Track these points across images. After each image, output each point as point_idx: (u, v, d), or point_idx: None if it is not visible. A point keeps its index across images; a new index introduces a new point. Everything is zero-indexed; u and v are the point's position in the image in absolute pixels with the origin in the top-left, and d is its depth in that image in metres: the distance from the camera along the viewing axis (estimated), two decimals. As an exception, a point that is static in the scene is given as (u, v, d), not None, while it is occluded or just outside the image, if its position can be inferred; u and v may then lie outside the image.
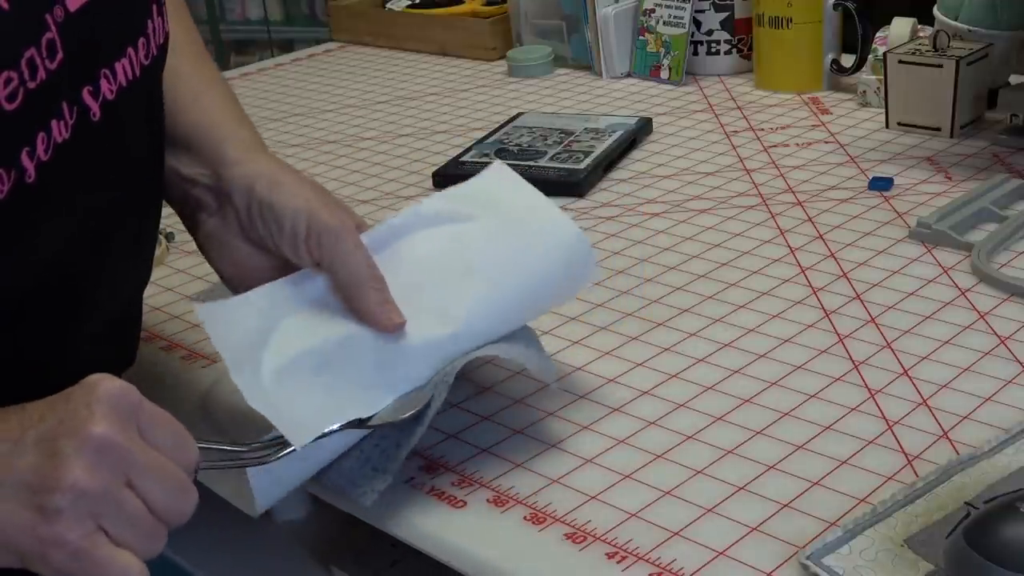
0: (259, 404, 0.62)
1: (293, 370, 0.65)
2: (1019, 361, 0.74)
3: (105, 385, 0.53)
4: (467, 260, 0.70)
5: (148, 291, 0.95)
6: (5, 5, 0.53)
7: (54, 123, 0.56)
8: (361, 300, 0.67)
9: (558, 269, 0.72)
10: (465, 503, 0.65)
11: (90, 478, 0.50)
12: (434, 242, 0.72)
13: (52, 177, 0.56)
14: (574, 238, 0.73)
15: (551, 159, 1.12)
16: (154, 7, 0.65)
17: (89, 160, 0.60)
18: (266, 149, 0.75)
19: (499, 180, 0.75)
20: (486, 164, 1.11)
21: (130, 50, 0.62)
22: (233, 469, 0.60)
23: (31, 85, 0.54)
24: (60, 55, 0.56)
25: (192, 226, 0.74)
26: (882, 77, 1.17)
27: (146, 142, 0.68)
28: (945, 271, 0.87)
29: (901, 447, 0.66)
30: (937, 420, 0.68)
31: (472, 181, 0.76)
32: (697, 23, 1.39)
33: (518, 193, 0.75)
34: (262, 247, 0.70)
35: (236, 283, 0.72)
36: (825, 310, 0.82)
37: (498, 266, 0.70)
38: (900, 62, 1.13)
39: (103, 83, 0.60)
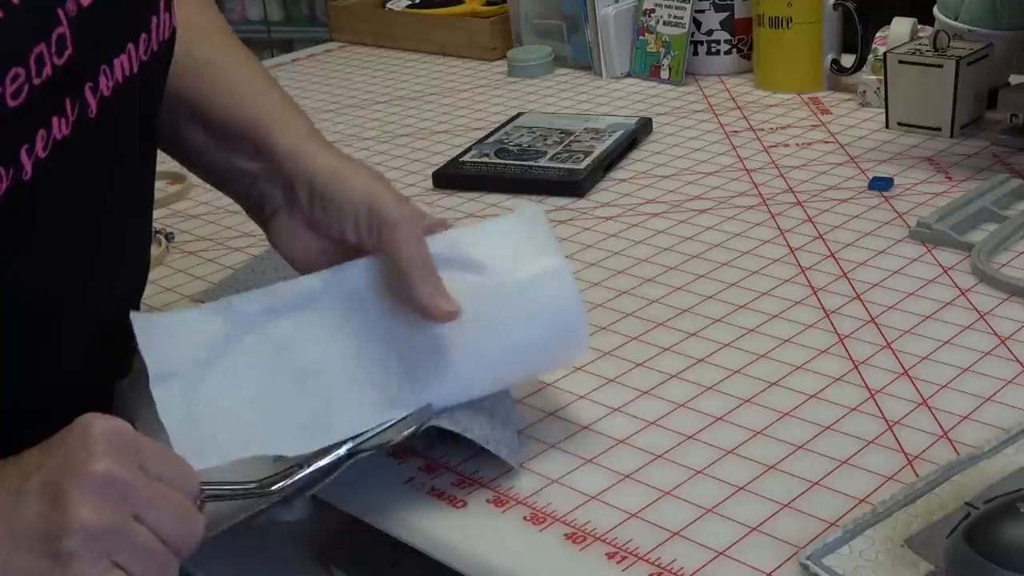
0: (167, 419, 0.61)
1: (228, 393, 0.65)
2: (1019, 361, 0.74)
3: (99, 423, 0.53)
4: (456, 324, 0.67)
5: (148, 291, 0.95)
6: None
7: (55, 120, 0.56)
8: (413, 291, 0.66)
9: (547, 350, 0.69)
10: (465, 503, 0.65)
11: (98, 516, 0.50)
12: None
13: (49, 175, 0.56)
14: (574, 315, 0.69)
15: (551, 159, 1.12)
16: (161, 2, 0.65)
17: (84, 158, 0.59)
18: (319, 135, 0.73)
19: (528, 226, 0.71)
20: (486, 164, 1.13)
21: (131, 45, 0.62)
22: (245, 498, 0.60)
23: (36, 81, 0.54)
24: (69, 50, 0.56)
25: (258, 219, 0.74)
26: (882, 77, 1.17)
27: (138, 140, 0.68)
28: (945, 271, 0.87)
29: (901, 447, 0.66)
30: (937, 420, 0.68)
31: (500, 221, 0.71)
32: (697, 23, 1.39)
33: (536, 250, 0.70)
34: (328, 236, 0.70)
35: (308, 270, 0.71)
36: (825, 310, 0.82)
37: (485, 336, 0.67)
38: (900, 62, 1.13)
39: (101, 79, 0.59)
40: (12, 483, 0.52)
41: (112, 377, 0.74)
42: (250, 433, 0.64)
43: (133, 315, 0.65)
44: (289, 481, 0.61)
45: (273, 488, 0.60)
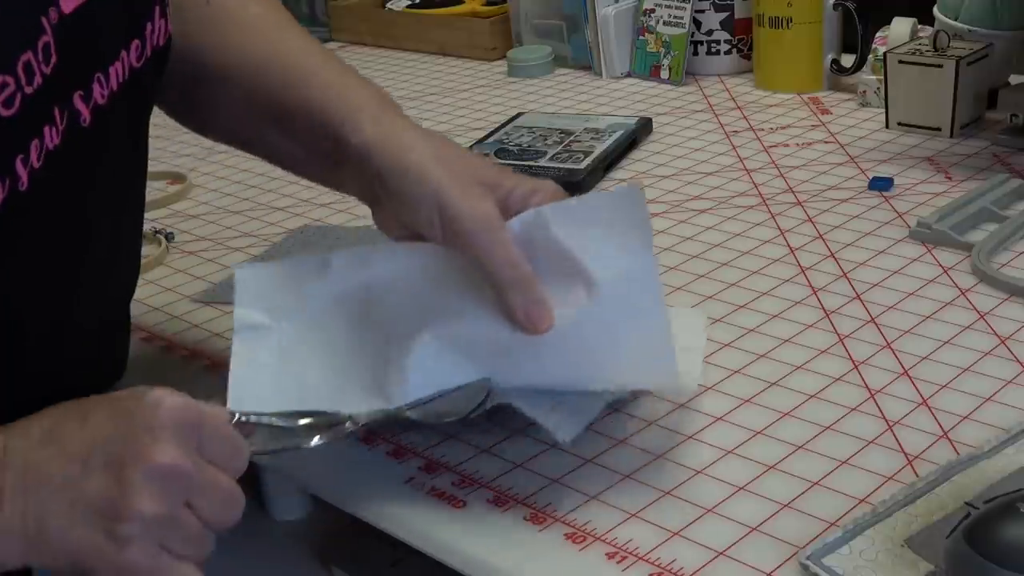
0: (235, 367, 0.65)
1: (303, 346, 0.67)
2: (1019, 361, 0.74)
3: (167, 403, 0.54)
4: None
5: (148, 291, 0.95)
6: None
7: (47, 129, 0.56)
8: (505, 300, 0.64)
9: (623, 356, 0.66)
10: (465, 503, 0.65)
11: (156, 505, 0.52)
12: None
13: (43, 184, 0.56)
14: (653, 324, 0.65)
15: (551, 159, 1.12)
16: (157, 8, 0.64)
17: (77, 166, 0.59)
18: (384, 112, 0.70)
19: (624, 208, 0.66)
20: (486, 164, 1.13)
21: (123, 53, 0.62)
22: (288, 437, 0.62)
23: (28, 90, 0.54)
24: (55, 58, 0.55)
25: (365, 203, 0.72)
26: (882, 77, 1.17)
27: (130, 144, 0.67)
28: (945, 271, 0.87)
29: (901, 447, 0.66)
30: (937, 420, 0.68)
31: (595, 201, 0.68)
32: (697, 23, 1.39)
33: (626, 243, 0.66)
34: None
35: None
36: (825, 310, 0.82)
37: (558, 326, 0.65)
38: (900, 62, 1.13)
39: (96, 88, 0.59)
40: (77, 448, 0.53)
41: (107, 378, 0.74)
42: (312, 386, 0.65)
43: (236, 267, 0.68)
44: (338, 431, 0.62)
45: (313, 442, 0.62)
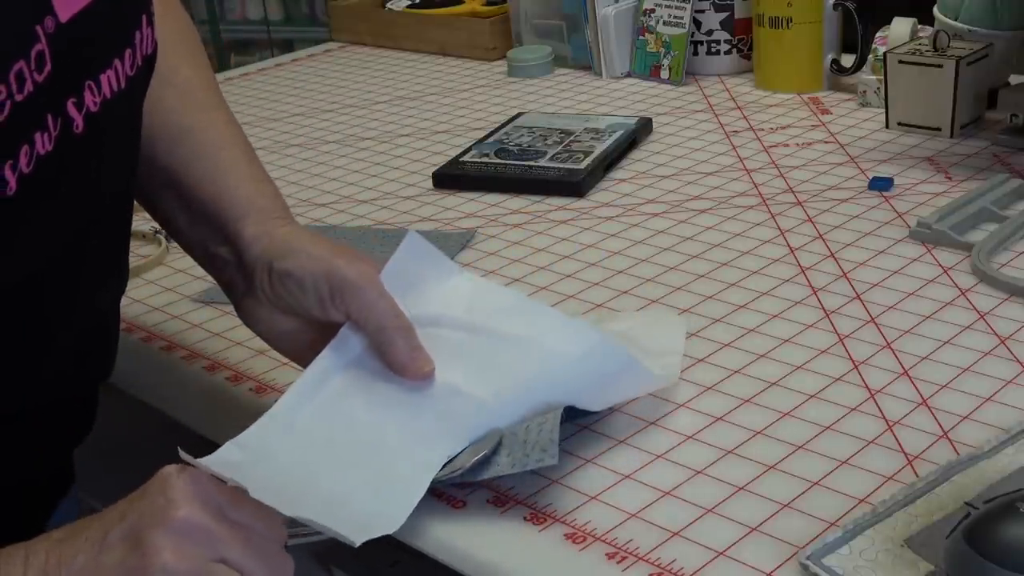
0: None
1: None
2: (1019, 361, 0.74)
3: (179, 474, 0.55)
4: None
5: (148, 291, 0.95)
6: None
7: (38, 136, 0.56)
8: (389, 349, 0.67)
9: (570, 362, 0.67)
10: (465, 503, 0.65)
11: (178, 559, 0.52)
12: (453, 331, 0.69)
13: (33, 190, 0.56)
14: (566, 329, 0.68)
15: (551, 159, 1.12)
16: (144, 17, 0.64)
17: (70, 172, 0.59)
18: (284, 212, 0.73)
19: (420, 254, 0.70)
20: (486, 164, 1.13)
21: (116, 61, 0.62)
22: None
23: (18, 98, 0.53)
24: (48, 67, 0.55)
25: (231, 298, 0.74)
26: (882, 77, 1.17)
27: (126, 152, 0.68)
28: (945, 271, 0.87)
29: (901, 447, 0.66)
30: (937, 420, 0.68)
31: (394, 261, 0.69)
32: (697, 23, 1.39)
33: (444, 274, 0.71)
34: (296, 314, 0.70)
35: (283, 349, 0.72)
36: (825, 310, 0.82)
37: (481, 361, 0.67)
38: (900, 62, 1.13)
39: (87, 95, 0.59)
40: (96, 534, 0.53)
41: (95, 379, 0.74)
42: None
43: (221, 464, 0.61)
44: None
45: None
